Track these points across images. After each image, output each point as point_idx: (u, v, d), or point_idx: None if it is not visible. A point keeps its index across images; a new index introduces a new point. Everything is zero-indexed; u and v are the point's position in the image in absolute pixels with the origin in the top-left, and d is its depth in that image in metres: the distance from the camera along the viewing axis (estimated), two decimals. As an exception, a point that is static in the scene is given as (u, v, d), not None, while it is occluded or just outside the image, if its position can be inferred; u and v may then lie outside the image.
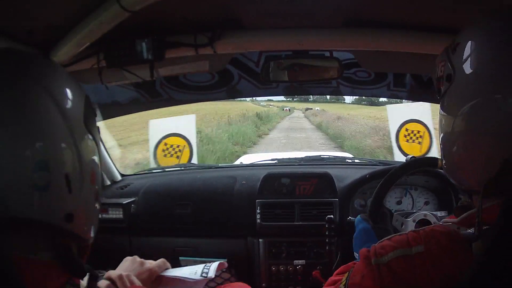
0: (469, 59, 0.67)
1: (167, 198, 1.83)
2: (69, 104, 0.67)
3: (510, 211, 0.57)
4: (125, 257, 1.13)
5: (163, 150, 4.40)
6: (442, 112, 0.72)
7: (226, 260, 1.69)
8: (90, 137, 0.69)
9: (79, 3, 0.90)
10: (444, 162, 0.74)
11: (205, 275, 1.03)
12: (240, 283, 1.33)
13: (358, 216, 1.27)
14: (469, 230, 0.67)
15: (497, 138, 0.62)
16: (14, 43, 0.92)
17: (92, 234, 0.71)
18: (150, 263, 1.04)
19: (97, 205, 0.71)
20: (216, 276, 1.73)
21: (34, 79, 0.64)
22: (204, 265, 1.09)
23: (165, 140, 4.41)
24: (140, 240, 1.82)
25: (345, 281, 0.73)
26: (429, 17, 1.05)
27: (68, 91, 0.69)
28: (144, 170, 2.32)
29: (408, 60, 1.32)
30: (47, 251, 0.62)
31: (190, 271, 1.06)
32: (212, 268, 1.06)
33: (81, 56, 1.10)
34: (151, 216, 1.83)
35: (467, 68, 0.66)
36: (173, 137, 4.42)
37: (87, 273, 0.67)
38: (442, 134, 0.72)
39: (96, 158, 0.71)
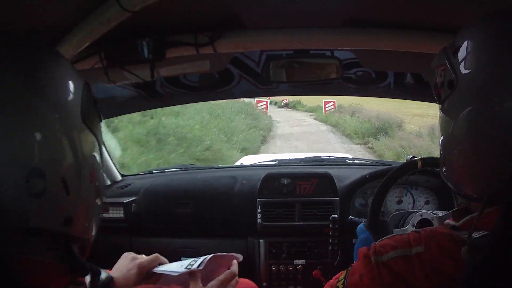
0: (473, 64, 0.64)
1: (167, 198, 1.83)
2: (63, 97, 0.62)
3: (508, 218, 0.56)
4: None
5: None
6: (442, 117, 0.70)
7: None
8: (89, 132, 0.65)
9: (79, 3, 0.90)
10: (444, 169, 0.73)
11: (189, 267, 1.01)
12: (246, 280, 1.33)
13: (361, 225, 1.26)
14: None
15: (500, 146, 0.61)
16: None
17: (93, 232, 0.69)
18: (141, 258, 1.05)
19: (98, 202, 0.69)
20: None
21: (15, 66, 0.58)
22: (195, 258, 1.08)
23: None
24: (140, 240, 1.82)
25: (343, 280, 0.73)
26: (430, 16, 1.05)
27: (62, 82, 0.64)
28: (145, 171, 2.32)
29: (409, 60, 1.31)
30: (48, 252, 0.60)
31: (177, 265, 1.06)
32: (200, 260, 1.04)
33: (81, 56, 1.10)
34: (152, 216, 1.83)
35: (471, 74, 0.64)
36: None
37: (89, 271, 0.65)
38: (442, 138, 0.71)
39: (96, 154, 0.67)
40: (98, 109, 0.71)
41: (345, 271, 0.75)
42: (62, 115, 0.60)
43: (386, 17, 1.09)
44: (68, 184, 0.59)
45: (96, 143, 0.68)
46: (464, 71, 0.65)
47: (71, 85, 0.65)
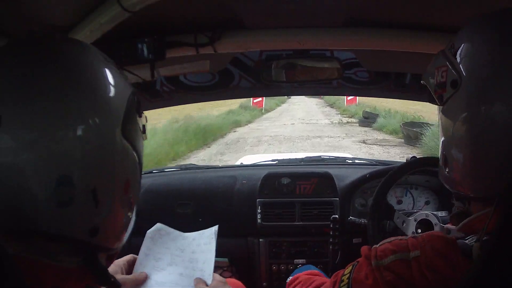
0: (474, 64, 0.65)
1: (167, 198, 1.83)
2: (105, 105, 0.58)
3: (509, 218, 0.57)
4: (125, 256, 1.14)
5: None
6: (444, 118, 0.70)
7: (227, 259, 1.70)
8: (128, 143, 0.61)
9: (79, 3, 0.90)
10: (446, 170, 0.73)
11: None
12: (234, 280, 1.33)
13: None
14: (467, 239, 0.68)
15: (504, 146, 0.61)
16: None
17: (121, 243, 0.66)
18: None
19: (130, 215, 0.66)
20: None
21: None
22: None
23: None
24: (140, 240, 1.82)
25: (348, 274, 0.74)
26: (431, 16, 1.05)
27: (107, 87, 0.60)
28: (145, 171, 2.32)
29: (410, 60, 1.32)
30: (70, 258, 0.57)
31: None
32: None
33: None
34: (152, 216, 1.82)
35: (473, 74, 0.65)
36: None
37: (111, 283, 0.63)
38: (443, 139, 0.71)
39: (133, 164, 0.64)
40: (141, 120, 0.67)
41: (351, 265, 0.76)
42: (101, 124, 0.57)
43: (386, 17, 1.09)
44: (98, 195, 0.56)
45: (135, 155, 0.64)
46: (465, 71, 0.65)
47: (116, 91, 0.61)
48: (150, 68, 1.18)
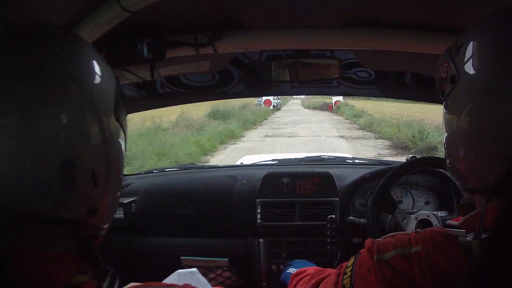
0: (472, 60, 0.66)
1: (167, 197, 1.83)
2: (101, 90, 0.62)
3: (508, 214, 0.57)
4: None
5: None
6: (446, 112, 0.72)
7: (227, 259, 1.71)
8: (119, 125, 0.65)
9: (79, 3, 0.90)
10: (448, 161, 0.74)
11: None
12: None
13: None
14: (468, 237, 0.68)
15: (502, 139, 0.62)
16: None
17: (108, 224, 0.69)
18: None
19: (118, 194, 0.70)
20: (217, 274, 1.74)
21: (56, 55, 0.58)
22: None
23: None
24: (140, 239, 1.82)
25: (351, 267, 0.75)
26: (431, 16, 1.05)
27: (100, 76, 0.63)
28: (145, 170, 2.32)
29: (410, 60, 1.32)
30: (61, 242, 0.58)
31: None
32: None
33: None
34: (152, 216, 1.83)
35: (471, 69, 0.66)
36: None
37: (101, 265, 0.63)
38: (446, 134, 0.73)
39: (122, 147, 0.68)
40: (124, 98, 0.70)
41: (354, 257, 0.76)
42: (98, 108, 0.60)
43: (386, 17, 1.09)
44: (97, 177, 0.59)
45: (124, 137, 0.68)
46: (465, 67, 0.66)
47: (107, 77, 0.64)
48: (150, 68, 1.18)
